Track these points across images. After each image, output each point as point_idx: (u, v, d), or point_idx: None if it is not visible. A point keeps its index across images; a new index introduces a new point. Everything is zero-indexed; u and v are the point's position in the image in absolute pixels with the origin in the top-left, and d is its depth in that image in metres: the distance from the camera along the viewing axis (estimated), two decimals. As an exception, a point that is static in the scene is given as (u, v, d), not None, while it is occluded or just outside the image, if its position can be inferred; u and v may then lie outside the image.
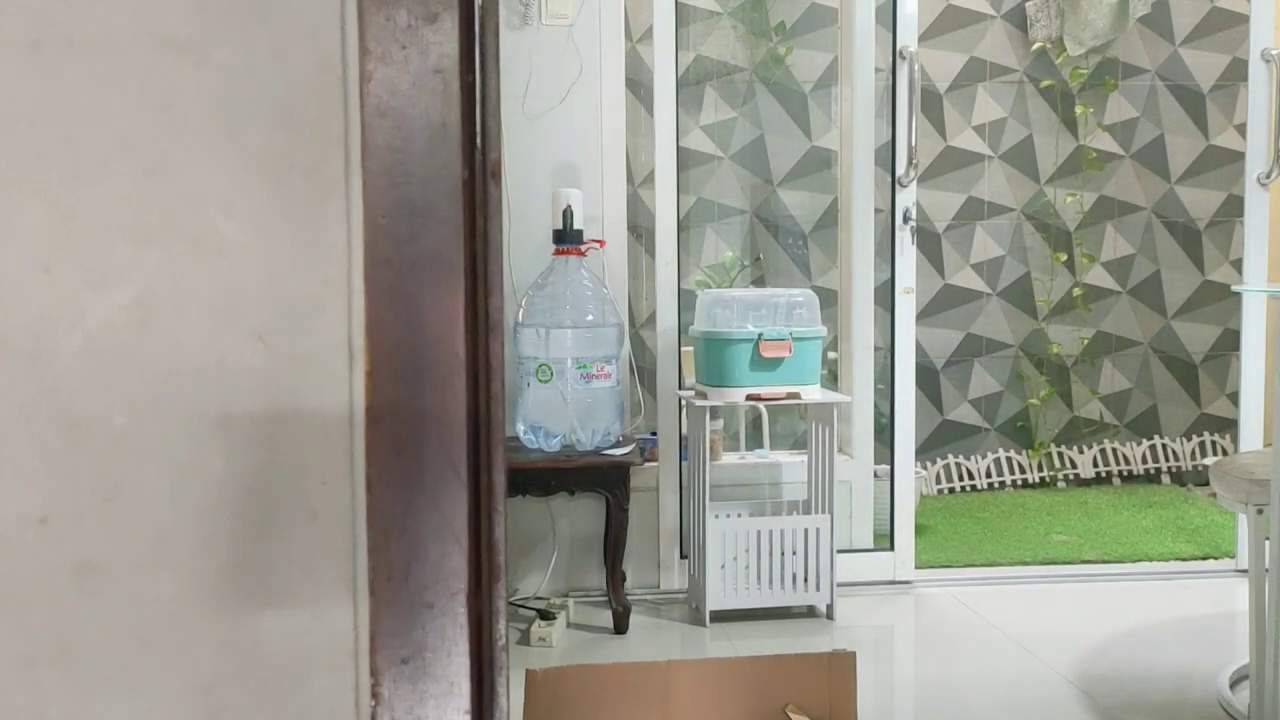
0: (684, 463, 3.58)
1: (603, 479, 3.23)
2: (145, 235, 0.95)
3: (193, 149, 0.95)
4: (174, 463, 0.96)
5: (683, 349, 3.67)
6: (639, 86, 4.13)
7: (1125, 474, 5.06)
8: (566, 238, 3.29)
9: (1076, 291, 5.04)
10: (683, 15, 4.35)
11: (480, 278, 1.00)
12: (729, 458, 3.98)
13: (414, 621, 0.96)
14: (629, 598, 3.31)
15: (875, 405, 3.90)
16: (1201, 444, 5.10)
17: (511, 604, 3.36)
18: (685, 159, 4.55)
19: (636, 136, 4.11)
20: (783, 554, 3.30)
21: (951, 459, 5.00)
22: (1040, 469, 5.03)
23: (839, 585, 3.35)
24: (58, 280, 0.94)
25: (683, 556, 3.58)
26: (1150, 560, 3.84)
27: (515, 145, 3.37)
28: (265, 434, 0.97)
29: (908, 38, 3.58)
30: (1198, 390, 5.16)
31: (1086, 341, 5.07)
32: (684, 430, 3.59)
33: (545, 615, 3.22)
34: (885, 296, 3.74)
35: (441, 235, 0.94)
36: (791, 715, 1.98)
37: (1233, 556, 3.83)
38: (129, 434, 0.95)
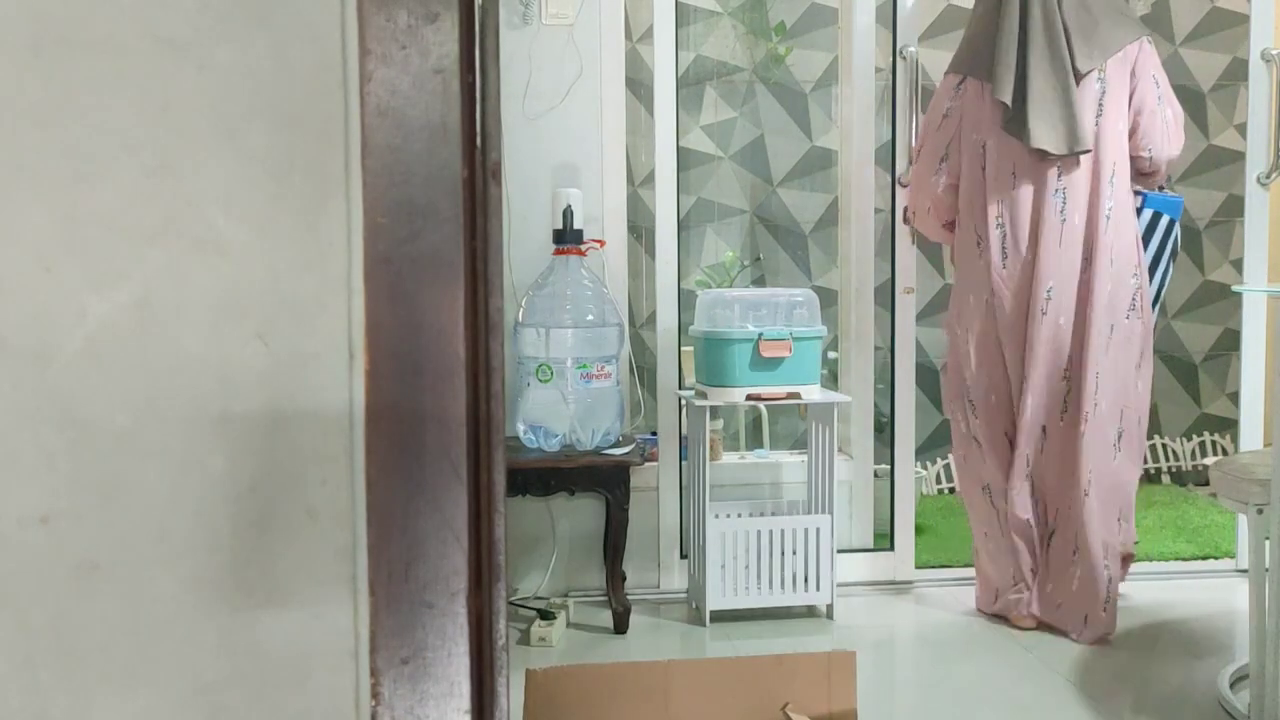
0: (684, 463, 3.58)
1: (603, 479, 3.23)
2: (146, 235, 0.95)
3: (193, 149, 0.95)
4: (174, 462, 0.96)
5: (683, 349, 3.67)
6: (639, 86, 4.13)
7: (1125, 474, 5.05)
8: (566, 237, 3.29)
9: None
10: (683, 15, 4.36)
11: (480, 277, 1.00)
12: (729, 457, 3.98)
13: (414, 621, 0.96)
14: (629, 598, 3.31)
15: (875, 405, 3.90)
16: (1201, 444, 5.11)
17: (511, 604, 3.36)
18: (685, 159, 4.55)
19: (636, 136, 4.12)
20: (783, 554, 3.30)
21: (952, 459, 5.00)
22: (1040, 469, 5.02)
23: (839, 585, 3.35)
24: (59, 280, 0.94)
25: (683, 556, 3.58)
26: (1150, 560, 3.84)
27: (515, 145, 3.38)
28: (265, 433, 0.97)
29: (908, 37, 3.58)
30: (1198, 390, 5.16)
31: (1086, 341, 5.06)
32: (684, 430, 3.59)
33: (545, 615, 3.22)
34: (885, 296, 3.74)
35: (441, 235, 0.95)
36: (791, 715, 1.99)
37: (1233, 556, 3.83)
38: (130, 433, 0.95)
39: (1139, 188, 3.14)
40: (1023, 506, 3.14)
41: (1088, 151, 2.98)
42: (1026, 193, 3.05)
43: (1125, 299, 3.06)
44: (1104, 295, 3.03)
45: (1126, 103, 3.04)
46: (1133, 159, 3.08)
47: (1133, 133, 3.06)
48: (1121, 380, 3.09)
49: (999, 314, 3.10)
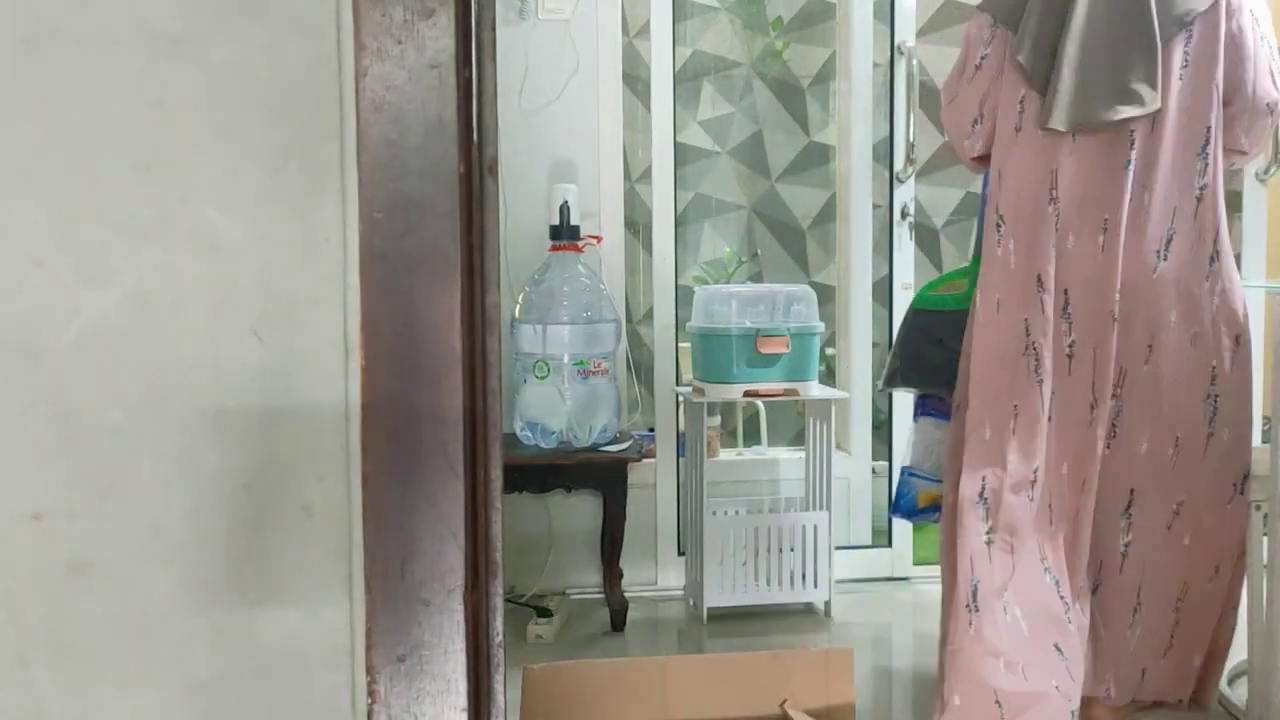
0: (681, 459, 3.57)
1: (600, 476, 3.22)
2: (140, 231, 0.94)
3: (187, 145, 0.95)
4: (169, 458, 0.95)
5: (680, 345, 3.67)
6: (636, 81, 4.12)
7: (1123, 470, 5.05)
8: (563, 233, 3.28)
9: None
10: (680, 10, 4.35)
11: (476, 273, 0.99)
12: (726, 454, 3.98)
13: (411, 618, 0.96)
14: (626, 595, 3.30)
15: (873, 401, 3.90)
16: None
17: (508, 601, 3.35)
18: (683, 154, 4.55)
19: (634, 132, 4.11)
20: (780, 551, 3.29)
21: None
22: (1038, 465, 5.02)
23: (837, 582, 3.35)
24: (51, 276, 0.93)
25: (680, 553, 3.58)
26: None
27: (511, 140, 3.36)
28: (261, 430, 0.96)
29: (906, 33, 3.57)
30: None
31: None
32: (681, 427, 3.59)
33: (542, 612, 3.22)
34: (883, 292, 3.73)
35: (438, 230, 0.94)
36: (789, 712, 1.98)
37: (1230, 552, 3.82)
38: (124, 430, 0.95)
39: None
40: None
41: (1115, 119, 2.27)
42: (1091, 169, 2.34)
43: (1237, 309, 2.46)
44: (1195, 299, 2.39)
45: (1219, 51, 2.32)
46: (1229, 127, 2.38)
47: (1229, 93, 2.35)
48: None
49: (1041, 324, 2.35)
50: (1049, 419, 2.37)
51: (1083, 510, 2.39)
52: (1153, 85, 2.27)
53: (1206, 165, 2.34)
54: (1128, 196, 2.31)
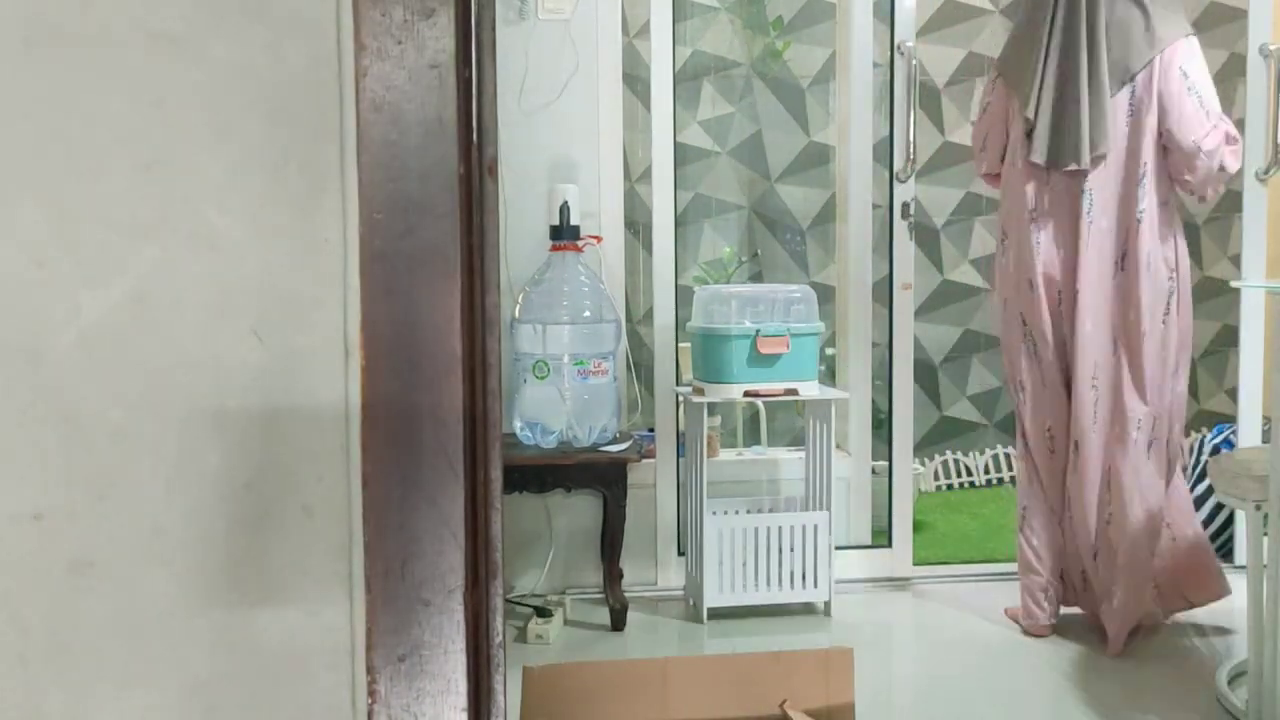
0: (681, 459, 3.57)
1: (600, 476, 3.22)
2: (140, 231, 0.94)
3: (187, 145, 0.95)
4: (169, 459, 0.95)
5: (680, 345, 3.67)
6: (636, 81, 4.12)
7: (1123, 470, 5.04)
8: (563, 233, 3.28)
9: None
10: (680, 10, 4.35)
11: (476, 273, 0.99)
12: (726, 454, 3.97)
13: (411, 619, 0.96)
14: (626, 595, 3.30)
15: (873, 401, 3.90)
16: (1201, 440, 5.10)
17: (508, 601, 3.35)
18: (683, 154, 4.55)
19: (634, 132, 4.11)
20: (780, 551, 3.29)
21: (950, 455, 5.00)
22: (1038, 465, 5.02)
23: (837, 582, 3.35)
24: (52, 276, 0.93)
25: (680, 553, 3.58)
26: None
27: (511, 140, 3.37)
28: (261, 430, 0.96)
29: (906, 32, 3.57)
30: (1196, 386, 5.16)
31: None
32: (681, 427, 3.59)
33: (542, 612, 3.22)
34: (883, 292, 3.73)
35: (437, 230, 0.94)
36: (789, 712, 1.98)
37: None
38: (124, 430, 0.95)
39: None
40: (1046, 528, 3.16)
41: (1081, 167, 2.93)
42: (1058, 194, 3.00)
43: (1160, 303, 2.97)
44: (1136, 299, 2.95)
45: (1155, 101, 2.92)
46: (1168, 160, 2.96)
47: (1165, 138, 2.93)
48: (1155, 388, 2.99)
49: (1035, 316, 3.05)
50: (1044, 389, 3.10)
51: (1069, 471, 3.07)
52: (1104, 135, 2.93)
53: (1144, 194, 2.95)
54: (1086, 219, 2.97)
